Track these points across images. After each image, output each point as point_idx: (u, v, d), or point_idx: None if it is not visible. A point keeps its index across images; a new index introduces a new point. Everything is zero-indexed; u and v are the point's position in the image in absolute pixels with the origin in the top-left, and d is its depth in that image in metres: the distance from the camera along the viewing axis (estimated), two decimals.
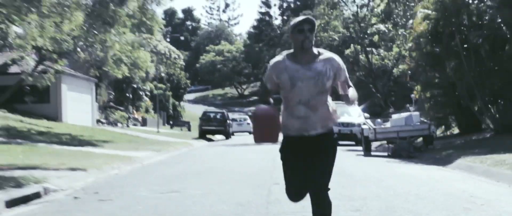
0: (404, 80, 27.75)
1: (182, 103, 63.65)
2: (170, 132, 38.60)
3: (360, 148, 18.49)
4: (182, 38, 63.71)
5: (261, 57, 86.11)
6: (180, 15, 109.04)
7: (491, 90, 17.18)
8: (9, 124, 21.09)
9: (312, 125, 3.88)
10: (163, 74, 49.85)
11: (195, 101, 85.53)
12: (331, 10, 32.60)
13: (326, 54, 3.92)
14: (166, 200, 7.00)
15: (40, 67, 22.67)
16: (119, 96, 43.63)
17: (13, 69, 26.33)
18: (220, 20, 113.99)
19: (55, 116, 28.10)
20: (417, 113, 17.78)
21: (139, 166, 12.91)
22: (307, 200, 4.08)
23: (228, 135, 36.08)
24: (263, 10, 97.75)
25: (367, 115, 23.33)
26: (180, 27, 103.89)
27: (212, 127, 34.54)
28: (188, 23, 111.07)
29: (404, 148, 15.47)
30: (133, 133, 29.70)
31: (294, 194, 4.06)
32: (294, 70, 3.84)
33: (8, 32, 12.56)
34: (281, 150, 4.02)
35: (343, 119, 22.87)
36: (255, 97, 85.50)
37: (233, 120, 43.50)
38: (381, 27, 31.62)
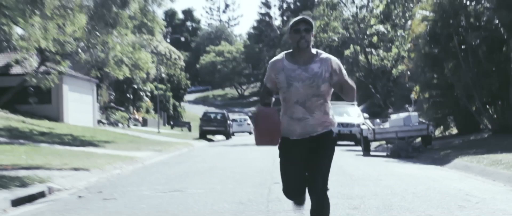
0: (403, 81, 27.91)
1: (182, 104, 63.76)
2: (171, 133, 38.74)
3: (360, 148, 18.63)
4: (182, 39, 63.79)
5: (261, 58, 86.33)
6: (180, 16, 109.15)
7: (488, 90, 17.35)
8: (11, 124, 21.24)
9: (313, 128, 3.96)
10: (163, 75, 50.02)
11: (195, 102, 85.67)
12: (331, 11, 32.76)
13: (323, 55, 3.96)
14: (168, 199, 7.15)
15: (42, 68, 22.86)
16: (119, 97, 43.78)
17: (15, 70, 26.51)
18: (220, 20, 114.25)
19: (56, 117, 28.28)
20: (415, 113, 17.93)
21: (140, 166, 13.05)
22: (306, 200, 4.21)
23: (228, 136, 36.23)
24: (263, 11, 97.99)
25: (366, 115, 23.47)
26: (180, 28, 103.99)
27: (213, 128, 34.69)
28: (188, 23, 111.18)
29: (403, 148, 15.61)
30: (134, 133, 29.85)
31: (292, 192, 4.12)
32: (291, 70, 3.91)
33: (11, 33, 12.70)
34: (280, 148, 4.09)
35: (342, 119, 23.05)
36: (255, 98, 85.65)
37: (234, 120, 43.64)
38: (381, 28, 31.81)
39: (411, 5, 28.01)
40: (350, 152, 18.28)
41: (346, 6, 33.37)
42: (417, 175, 10.09)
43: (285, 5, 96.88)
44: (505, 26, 16.00)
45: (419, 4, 18.79)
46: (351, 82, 3.94)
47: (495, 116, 17.82)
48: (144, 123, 44.51)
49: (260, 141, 4.04)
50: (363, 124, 18.60)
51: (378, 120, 18.82)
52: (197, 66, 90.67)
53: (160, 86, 46.15)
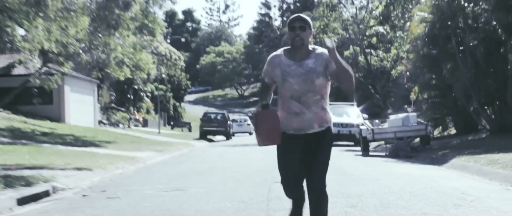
0: (402, 82, 28.09)
1: (182, 104, 63.91)
2: (171, 133, 38.89)
3: (359, 148, 18.78)
4: (183, 40, 63.89)
5: (261, 58, 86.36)
6: (181, 16, 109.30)
7: (486, 91, 17.51)
8: (13, 125, 21.39)
9: (309, 123, 4.01)
10: (164, 75, 50.16)
11: (196, 102, 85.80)
12: (331, 12, 32.92)
13: (318, 50, 4.02)
14: (171, 198, 7.30)
15: (44, 69, 23.03)
16: (120, 97, 43.93)
17: (17, 71, 26.68)
18: (220, 21, 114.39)
19: (58, 117, 28.45)
20: (414, 114, 18.09)
21: (142, 166, 13.20)
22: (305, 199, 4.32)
23: (228, 136, 36.38)
24: (263, 11, 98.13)
25: (366, 115, 23.62)
26: (181, 28, 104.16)
27: (213, 128, 34.85)
28: (189, 24, 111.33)
29: (402, 148, 15.76)
30: (135, 134, 30.01)
31: (290, 182, 4.16)
32: (287, 65, 4.00)
33: (14, 35, 12.85)
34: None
35: (342, 120, 23.22)
36: (256, 98, 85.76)
37: (234, 121, 43.79)
38: (380, 29, 31.98)
39: (410, 6, 28.20)
40: (349, 152, 18.44)
41: (345, 7, 33.54)
42: (414, 175, 10.24)
43: (285, 6, 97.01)
44: (503, 28, 16.15)
45: (418, 6, 18.96)
46: (346, 64, 3.91)
47: (493, 116, 17.99)
48: (145, 123, 44.66)
49: (262, 142, 4.12)
50: (362, 124, 18.76)
51: (377, 121, 18.98)
52: (197, 66, 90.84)
53: (160, 86, 46.32)
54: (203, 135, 34.02)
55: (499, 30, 16.49)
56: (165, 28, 25.96)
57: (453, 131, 21.54)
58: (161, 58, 45.10)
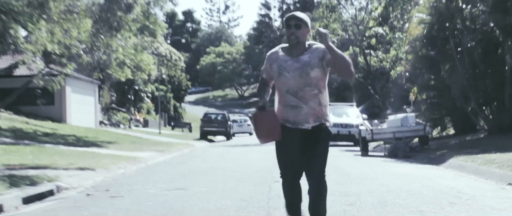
0: (401, 82, 28.26)
1: (183, 105, 64.07)
2: (172, 133, 39.04)
3: (359, 148, 18.92)
4: (183, 40, 64.05)
5: (261, 59, 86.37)
6: (181, 17, 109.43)
7: (484, 92, 17.67)
8: (16, 125, 21.54)
9: (304, 117, 4.09)
10: (164, 76, 50.32)
11: (196, 103, 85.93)
12: (330, 13, 33.08)
13: (315, 45, 4.09)
14: (173, 197, 7.44)
15: (45, 70, 23.20)
16: (121, 98, 44.09)
17: (18, 71, 26.83)
18: (220, 22, 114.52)
19: (59, 118, 28.61)
20: (412, 114, 18.26)
21: (144, 166, 13.35)
22: (306, 197, 4.45)
23: (229, 136, 36.52)
24: (263, 12, 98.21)
25: (365, 116, 23.77)
26: (181, 29, 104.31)
27: (213, 128, 35.00)
28: (189, 25, 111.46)
29: (400, 148, 15.91)
30: (136, 134, 30.14)
31: (289, 179, 4.21)
32: (283, 60, 4.10)
33: (17, 37, 13.01)
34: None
35: (341, 120, 23.39)
36: (256, 99, 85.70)
37: (234, 121, 43.94)
38: (379, 30, 32.15)
39: (409, 7, 28.36)
40: (349, 152, 18.58)
41: (345, 8, 33.70)
42: (412, 174, 10.40)
43: (285, 7, 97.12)
44: (500, 29, 16.32)
45: (416, 7, 19.13)
46: (341, 52, 3.95)
47: (490, 116, 18.15)
48: (145, 124, 44.81)
49: (263, 140, 4.24)
50: (362, 125, 18.91)
51: (376, 121, 19.14)
52: (197, 67, 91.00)
53: (161, 87, 46.49)
54: (204, 136, 34.17)
55: (497, 31, 16.66)
56: (165, 29, 26.13)
57: (451, 131, 21.68)
58: (162, 58, 45.30)
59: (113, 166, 11.87)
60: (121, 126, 37.50)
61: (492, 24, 16.65)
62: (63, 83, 22.27)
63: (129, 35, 19.70)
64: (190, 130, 47.47)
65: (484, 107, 18.21)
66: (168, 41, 59.75)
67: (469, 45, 16.93)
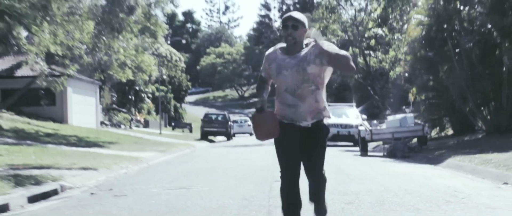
0: (400, 83, 28.42)
1: (183, 105, 64.22)
2: (172, 134, 39.19)
3: (358, 149, 19.07)
4: (183, 41, 64.24)
5: (261, 59, 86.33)
6: (181, 17, 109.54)
7: (482, 93, 17.82)
8: (17, 126, 21.70)
9: (302, 115, 4.16)
10: (164, 77, 50.47)
11: (196, 103, 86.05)
12: (330, 14, 33.24)
13: (312, 43, 4.15)
14: (176, 196, 7.59)
15: (47, 71, 23.33)
16: (121, 98, 44.23)
17: (20, 72, 26.98)
18: (220, 22, 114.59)
19: (60, 118, 28.76)
20: (411, 115, 18.41)
21: (145, 166, 13.50)
22: (305, 195, 4.58)
23: (229, 137, 36.66)
24: (263, 13, 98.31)
25: (364, 116, 23.92)
26: (181, 30, 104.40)
27: (214, 129, 35.14)
28: (189, 25, 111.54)
29: (399, 149, 16.04)
30: (136, 134, 30.30)
31: (289, 180, 4.23)
32: (282, 59, 4.15)
33: (20, 38, 13.16)
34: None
35: (341, 120, 23.55)
36: (256, 99, 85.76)
37: (234, 121, 44.09)
38: (379, 31, 32.33)
39: (408, 9, 28.52)
40: (348, 152, 18.72)
41: (344, 9, 33.87)
42: (410, 174, 10.55)
43: (284, 7, 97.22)
44: (498, 30, 16.47)
45: (415, 9, 19.29)
46: (338, 50, 3.95)
47: (488, 117, 18.30)
48: (146, 124, 44.95)
49: (261, 139, 4.33)
50: (361, 125, 19.06)
51: (375, 121, 19.28)
52: (198, 67, 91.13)
53: (161, 87, 46.63)
54: (204, 136, 34.32)
55: (494, 33, 16.81)
56: (166, 30, 26.28)
57: (450, 132, 21.82)
58: (162, 59, 45.45)
59: (115, 166, 12.02)
60: (122, 126, 37.65)
61: (489, 26, 16.81)
62: (66, 84, 22.40)
63: (131, 37, 19.85)
64: (191, 131, 47.61)
65: (482, 108, 18.36)
66: (169, 42, 59.87)
67: (467, 46, 17.09)
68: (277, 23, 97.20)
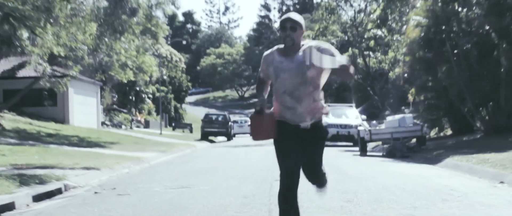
0: (399, 83, 28.57)
1: (183, 105, 64.37)
2: (173, 134, 39.33)
3: (358, 149, 19.21)
4: (183, 42, 64.41)
5: (261, 60, 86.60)
6: (181, 18, 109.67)
7: (480, 93, 17.96)
8: (19, 126, 21.85)
9: (301, 116, 4.20)
10: (165, 77, 50.62)
11: (196, 104, 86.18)
12: (330, 15, 33.39)
13: (309, 43, 4.12)
14: (178, 194, 7.75)
15: (48, 72, 23.49)
16: (122, 99, 44.37)
17: (22, 73, 27.13)
18: (220, 23, 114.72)
19: (62, 119, 28.91)
20: (410, 115, 18.55)
21: (147, 166, 13.64)
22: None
23: (229, 137, 36.79)
24: (263, 13, 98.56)
25: (364, 116, 24.06)
26: (181, 30, 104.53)
27: (214, 129, 35.27)
28: (189, 26, 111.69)
29: (398, 149, 16.17)
30: (137, 135, 30.44)
31: (289, 187, 4.16)
32: (279, 62, 4.11)
33: (23, 39, 13.30)
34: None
35: (341, 121, 23.70)
36: (255, 100, 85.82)
37: (234, 122, 44.22)
38: (378, 32, 32.50)
39: (407, 10, 28.68)
40: (348, 152, 18.86)
41: (344, 10, 34.04)
42: (409, 173, 10.70)
43: (284, 8, 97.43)
44: (496, 32, 16.63)
45: (414, 10, 19.45)
46: (335, 62, 3.91)
47: (487, 117, 18.44)
48: (146, 124, 45.09)
49: (256, 139, 4.37)
50: (360, 125, 19.20)
51: (374, 122, 19.42)
52: (198, 68, 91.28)
53: (161, 88, 46.77)
54: (205, 136, 34.45)
55: (492, 34, 16.97)
56: (167, 31, 26.43)
57: (449, 132, 21.96)
58: (162, 60, 45.58)
59: (117, 166, 12.16)
60: (123, 127, 37.80)
61: (487, 27, 16.97)
62: (68, 85, 22.53)
63: (133, 38, 19.97)
64: (191, 131, 47.74)
65: (480, 108, 18.51)
66: (169, 43, 60.04)
67: (465, 47, 17.24)
68: (277, 24, 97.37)
